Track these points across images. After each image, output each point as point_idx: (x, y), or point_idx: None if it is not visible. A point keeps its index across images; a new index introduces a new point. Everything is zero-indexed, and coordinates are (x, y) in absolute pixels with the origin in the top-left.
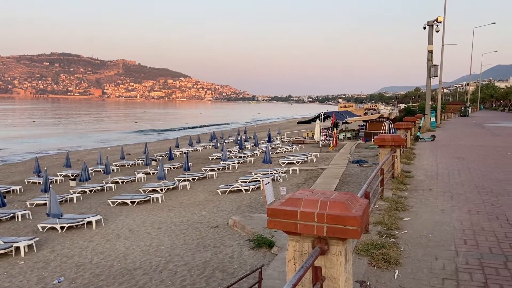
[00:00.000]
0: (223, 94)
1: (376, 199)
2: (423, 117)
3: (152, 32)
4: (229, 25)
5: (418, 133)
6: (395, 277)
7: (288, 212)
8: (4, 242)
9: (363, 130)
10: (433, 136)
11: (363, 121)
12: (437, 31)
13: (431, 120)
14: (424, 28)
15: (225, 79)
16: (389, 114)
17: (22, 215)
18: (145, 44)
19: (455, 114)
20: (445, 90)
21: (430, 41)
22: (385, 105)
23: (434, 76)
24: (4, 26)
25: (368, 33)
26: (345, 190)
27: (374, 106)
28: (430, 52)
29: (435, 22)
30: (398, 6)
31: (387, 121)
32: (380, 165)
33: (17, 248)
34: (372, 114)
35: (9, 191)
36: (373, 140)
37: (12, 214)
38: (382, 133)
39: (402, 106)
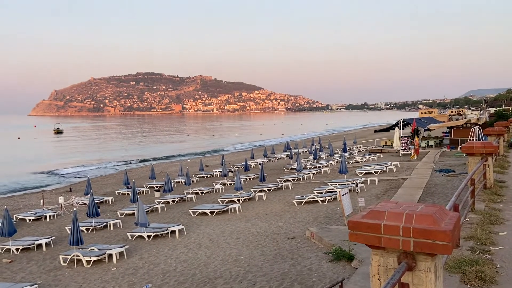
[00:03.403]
0: (296, 104)
1: (466, 212)
2: None
3: (227, 47)
4: (300, 35)
5: None
6: None
7: (371, 225)
8: (99, 250)
9: (447, 137)
10: None
11: (448, 127)
12: None
13: None
14: None
15: (297, 90)
16: (477, 119)
17: (114, 224)
18: (220, 59)
19: None
20: None
21: None
22: (472, 110)
23: None
24: (96, 51)
25: (451, 32)
26: (429, 201)
27: (460, 111)
28: None
29: None
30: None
31: (475, 127)
32: (470, 175)
33: (110, 255)
34: (457, 120)
35: (102, 202)
36: (461, 148)
37: (105, 223)
38: (470, 140)
39: (492, 110)
